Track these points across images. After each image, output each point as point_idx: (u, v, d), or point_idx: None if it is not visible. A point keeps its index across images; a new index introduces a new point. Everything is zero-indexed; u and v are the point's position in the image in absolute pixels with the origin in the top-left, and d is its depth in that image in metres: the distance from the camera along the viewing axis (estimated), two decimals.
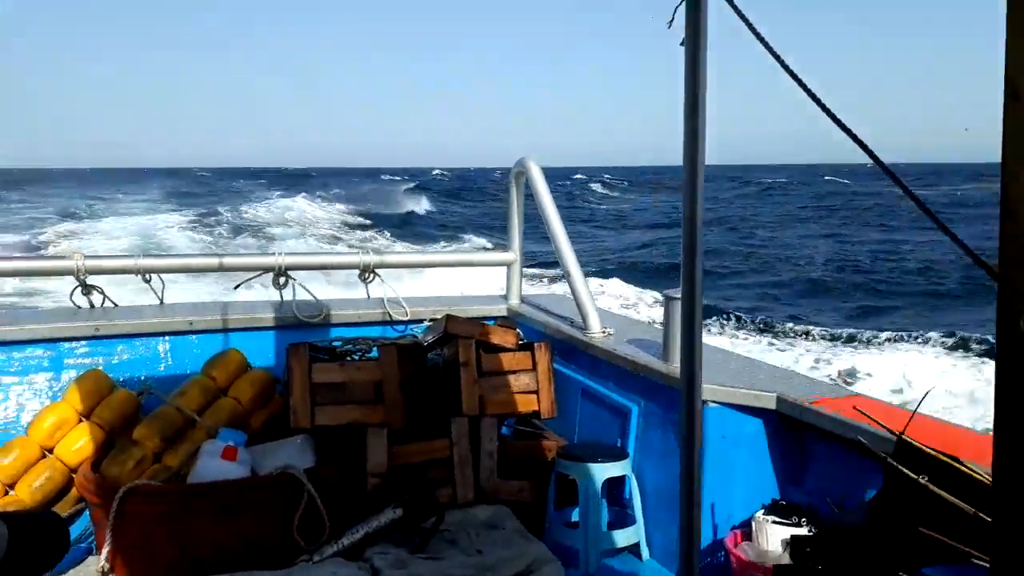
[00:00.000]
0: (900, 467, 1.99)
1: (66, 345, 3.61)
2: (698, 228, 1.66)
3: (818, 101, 1.10)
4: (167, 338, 3.75)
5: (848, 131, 1.06)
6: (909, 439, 1.89)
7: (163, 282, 3.89)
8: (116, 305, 3.89)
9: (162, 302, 3.91)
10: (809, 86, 1.12)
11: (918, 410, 2.17)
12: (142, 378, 3.64)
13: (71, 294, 3.82)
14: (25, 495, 3.19)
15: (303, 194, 43.99)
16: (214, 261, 3.94)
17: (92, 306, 3.80)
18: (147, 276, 3.82)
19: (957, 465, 1.86)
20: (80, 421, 3.34)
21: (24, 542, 0.84)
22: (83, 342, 3.63)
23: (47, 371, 3.58)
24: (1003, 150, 0.97)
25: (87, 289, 3.78)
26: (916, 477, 2.02)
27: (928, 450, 1.88)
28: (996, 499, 1.05)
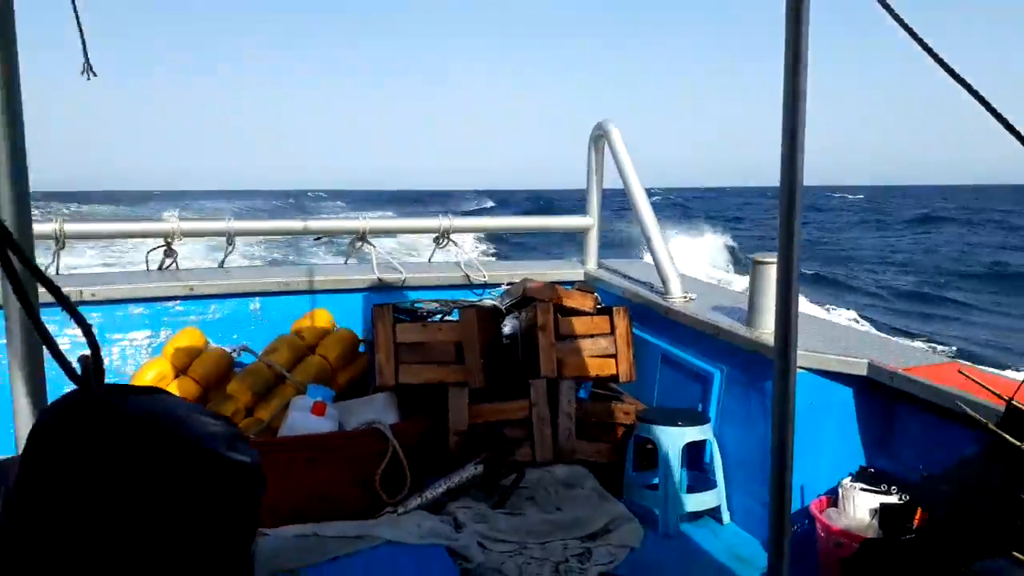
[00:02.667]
0: (1003, 433, 1.91)
1: (162, 304, 3.79)
2: (798, 191, 1.61)
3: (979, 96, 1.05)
4: (258, 298, 3.89)
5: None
6: (1018, 403, 1.81)
7: (234, 245, 4.00)
8: (178, 269, 4.00)
9: (222, 265, 4.04)
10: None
11: None
12: (235, 336, 3.79)
13: (147, 255, 3.97)
14: None
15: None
16: (299, 225, 4.05)
17: (161, 268, 3.95)
18: (231, 240, 3.95)
19: None
20: (177, 376, 3.52)
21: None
22: (179, 301, 3.80)
23: (146, 328, 3.77)
24: None
25: (170, 252, 3.93)
26: (1020, 444, 1.95)
27: None
28: None
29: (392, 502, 3.00)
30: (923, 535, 2.30)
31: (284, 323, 3.77)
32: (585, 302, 3.63)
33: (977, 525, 2.06)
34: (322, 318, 3.68)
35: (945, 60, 1.14)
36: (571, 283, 4.28)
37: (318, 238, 4.20)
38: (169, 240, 3.89)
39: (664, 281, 3.69)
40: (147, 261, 4.01)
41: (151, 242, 4.02)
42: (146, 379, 3.47)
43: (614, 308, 3.58)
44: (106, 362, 3.70)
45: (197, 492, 0.65)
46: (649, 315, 3.76)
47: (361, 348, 3.72)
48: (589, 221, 4.44)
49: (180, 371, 3.53)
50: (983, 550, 2.05)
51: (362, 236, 3.98)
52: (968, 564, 2.07)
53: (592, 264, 4.48)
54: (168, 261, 3.96)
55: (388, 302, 3.48)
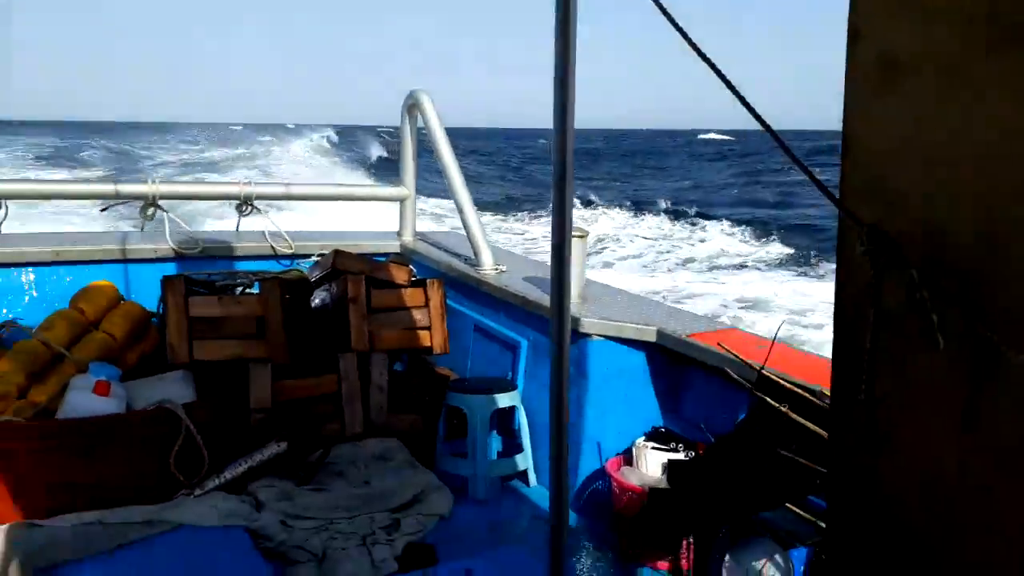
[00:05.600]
0: (763, 396, 2.10)
1: None
2: (568, 162, 1.65)
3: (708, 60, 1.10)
4: (31, 269, 3.50)
5: (738, 94, 1.07)
6: (769, 371, 1.99)
7: (7, 210, 3.55)
8: None
9: None
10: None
11: (777, 338, 2.31)
12: (3, 311, 3.41)
13: None
14: None
15: None
16: (82, 188, 3.69)
17: None
18: (1, 203, 3.52)
19: (806, 394, 1.98)
20: None
21: None
22: None
23: None
24: (845, 91, 1.00)
25: None
26: (778, 405, 2.15)
27: (783, 381, 2.00)
28: (833, 416, 1.12)
29: (189, 484, 2.84)
30: (702, 487, 2.49)
31: (62, 297, 3.43)
32: (399, 274, 3.58)
33: (747, 477, 2.27)
34: (106, 291, 3.37)
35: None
36: (385, 255, 4.22)
37: (103, 209, 3.82)
38: None
39: (476, 253, 3.73)
40: None
41: None
42: None
43: (428, 280, 3.57)
44: None
45: None
46: (463, 287, 3.79)
47: (154, 323, 3.47)
48: (405, 191, 4.39)
49: None
50: (753, 501, 2.26)
51: (152, 201, 3.67)
52: (741, 514, 2.27)
53: (408, 236, 4.44)
54: None
55: (182, 273, 3.25)
